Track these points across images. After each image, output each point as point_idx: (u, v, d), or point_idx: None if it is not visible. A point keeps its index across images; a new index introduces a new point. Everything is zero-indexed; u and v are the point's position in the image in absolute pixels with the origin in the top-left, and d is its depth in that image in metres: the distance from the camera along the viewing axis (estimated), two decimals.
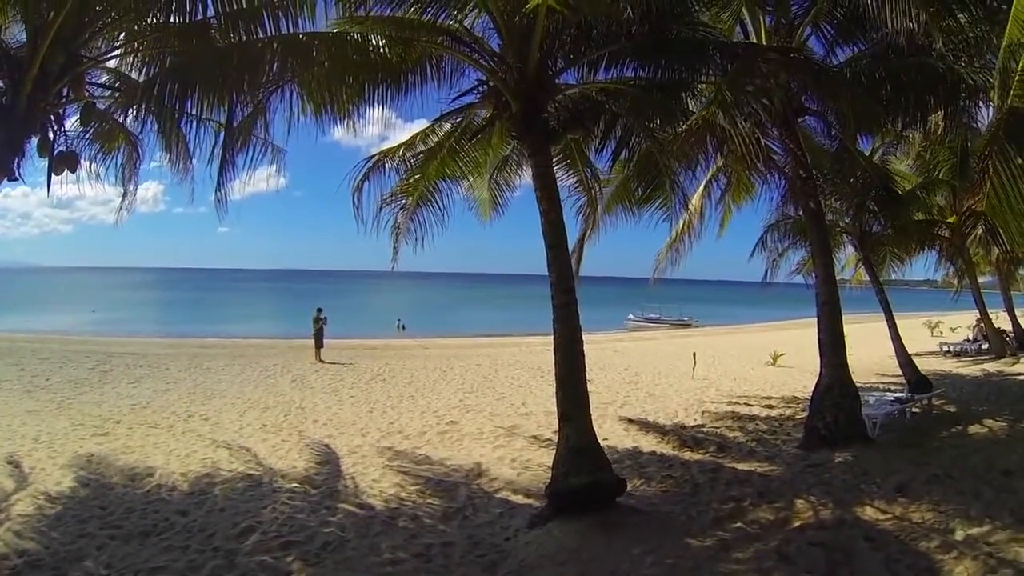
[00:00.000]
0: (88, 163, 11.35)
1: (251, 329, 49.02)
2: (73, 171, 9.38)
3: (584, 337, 9.29)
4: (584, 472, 8.67)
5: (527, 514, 9.00)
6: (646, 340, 42.98)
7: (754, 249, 20.38)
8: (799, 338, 35.62)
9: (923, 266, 23.90)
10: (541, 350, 31.33)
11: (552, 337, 9.30)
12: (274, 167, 11.29)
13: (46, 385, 19.80)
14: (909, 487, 9.02)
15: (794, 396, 18.31)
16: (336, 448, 13.35)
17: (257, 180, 10.48)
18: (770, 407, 16.88)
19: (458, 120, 11.80)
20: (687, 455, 12.13)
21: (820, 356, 12.54)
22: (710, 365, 26.49)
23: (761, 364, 27.04)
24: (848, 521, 7.97)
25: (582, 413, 9.03)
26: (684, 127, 10.18)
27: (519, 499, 9.97)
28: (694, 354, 25.02)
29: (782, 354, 27.42)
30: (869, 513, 8.19)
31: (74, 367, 23.39)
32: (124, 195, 12.51)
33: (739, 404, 17.38)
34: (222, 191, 9.22)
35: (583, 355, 9.19)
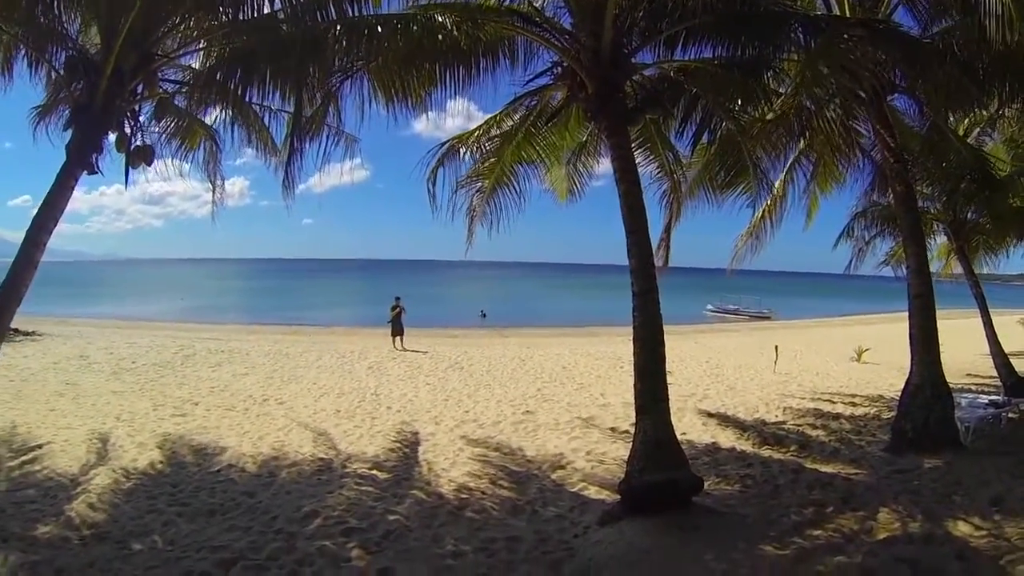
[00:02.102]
0: (171, 159, 11.89)
1: (332, 317, 50.17)
2: (149, 164, 9.75)
3: (664, 327, 8.84)
4: (660, 469, 8.28)
5: (599, 510, 8.70)
6: (726, 332, 41.96)
7: (839, 238, 19.41)
8: (885, 333, 34.28)
9: (1020, 258, 22.40)
10: (622, 340, 30.93)
11: (631, 327, 8.88)
12: (356, 160, 11.42)
13: (132, 368, 20.58)
14: (1005, 501, 8.29)
15: (879, 395, 17.50)
16: (408, 435, 13.38)
17: (338, 173, 10.57)
18: (854, 405, 16.14)
19: (533, 103, 11.48)
20: (767, 453, 11.67)
21: (911, 353, 11.73)
22: (792, 359, 25.62)
23: (845, 359, 26.04)
24: (938, 536, 7.36)
25: (661, 406, 8.61)
26: (770, 114, 9.66)
27: (592, 493, 9.68)
28: (776, 347, 24.24)
29: (867, 349, 26.32)
30: (961, 528, 7.53)
31: (159, 351, 24.25)
32: (214, 190, 12.90)
33: (822, 401, 16.69)
34: (289, 179, 9.24)
35: (663, 345, 8.75)
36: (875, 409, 15.52)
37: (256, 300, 78.71)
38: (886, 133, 11.56)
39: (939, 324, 11.73)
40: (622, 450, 11.56)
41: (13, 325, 9.30)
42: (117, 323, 38.05)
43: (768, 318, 59.58)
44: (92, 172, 8.78)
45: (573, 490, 9.91)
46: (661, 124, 12.31)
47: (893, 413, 13.14)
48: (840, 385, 19.54)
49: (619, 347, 28.93)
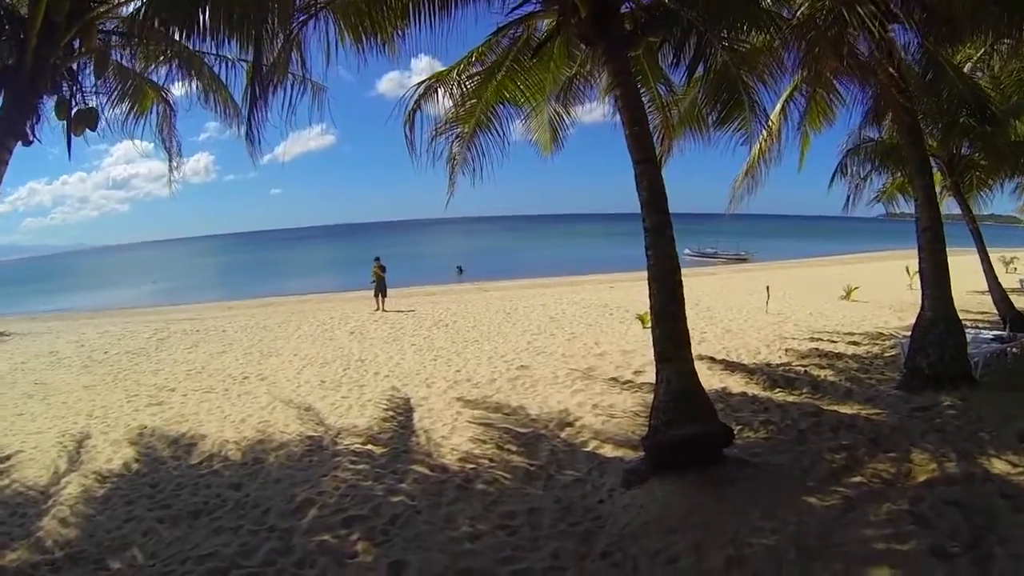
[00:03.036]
0: (123, 131, 10.78)
1: (307, 285, 49.73)
2: (93, 128, 8.77)
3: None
4: (689, 421, 7.71)
5: (619, 469, 8.16)
6: (709, 275, 41.59)
7: (832, 177, 18.89)
8: (868, 271, 34.33)
9: (1001, 198, 22.13)
10: (605, 288, 30.81)
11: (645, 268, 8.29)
12: (324, 117, 10.51)
13: (103, 358, 19.59)
14: None
15: (878, 332, 17.21)
16: (400, 401, 12.78)
17: (304, 140, 9.75)
18: (855, 344, 15.79)
19: (517, 33, 10.65)
20: (780, 396, 11.25)
21: (922, 288, 11.46)
22: (781, 300, 25.24)
23: (834, 298, 25.66)
24: (978, 475, 7.04)
25: (683, 352, 8.04)
26: (793, 22, 9.15)
27: (607, 451, 9.11)
28: (767, 287, 24.04)
29: (856, 288, 26.10)
30: (997, 466, 7.24)
31: (132, 338, 23.25)
32: (170, 158, 12.00)
33: (821, 340, 16.32)
34: (253, 132, 8.45)
35: (681, 285, 8.15)
36: (876, 347, 15.21)
37: (229, 275, 77.87)
38: (886, 63, 11.03)
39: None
40: (630, 401, 11.20)
41: None
42: (88, 314, 36.74)
43: (745, 260, 60.50)
44: (27, 142, 7.82)
45: (587, 449, 9.33)
46: (656, 52, 11.62)
47: (895, 351, 13.08)
48: (836, 324, 19.17)
49: (603, 294, 28.94)
